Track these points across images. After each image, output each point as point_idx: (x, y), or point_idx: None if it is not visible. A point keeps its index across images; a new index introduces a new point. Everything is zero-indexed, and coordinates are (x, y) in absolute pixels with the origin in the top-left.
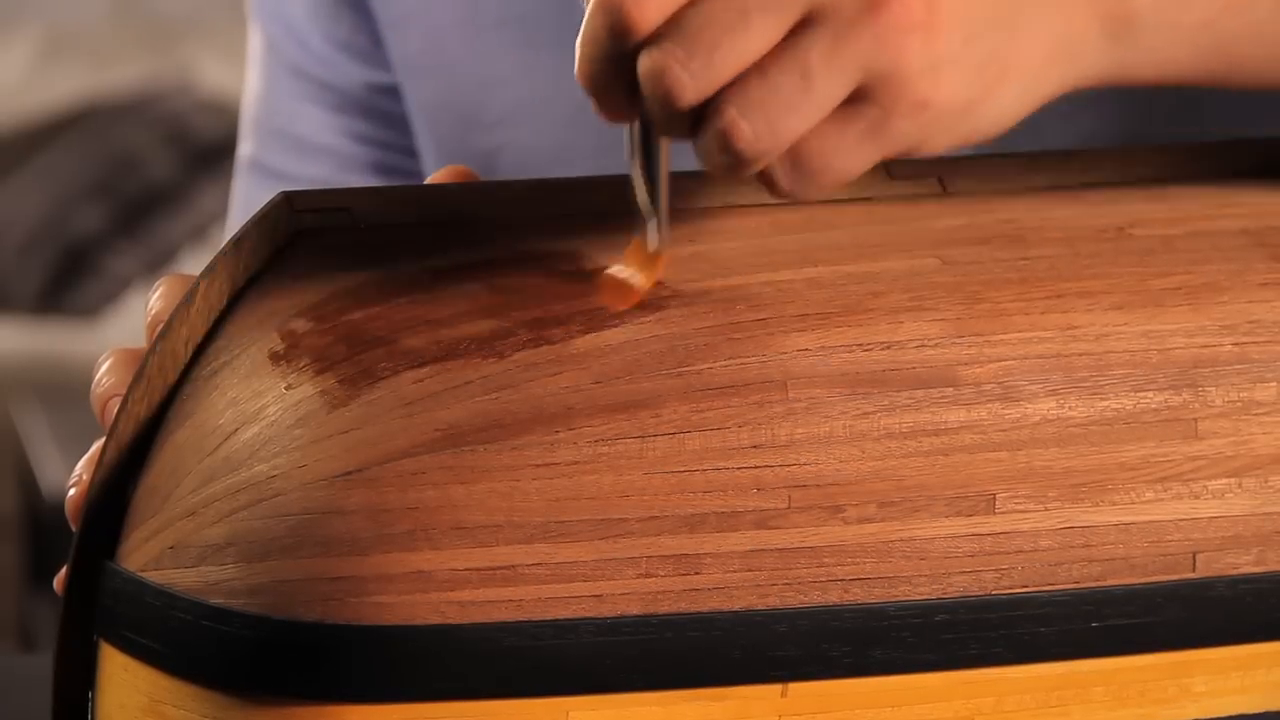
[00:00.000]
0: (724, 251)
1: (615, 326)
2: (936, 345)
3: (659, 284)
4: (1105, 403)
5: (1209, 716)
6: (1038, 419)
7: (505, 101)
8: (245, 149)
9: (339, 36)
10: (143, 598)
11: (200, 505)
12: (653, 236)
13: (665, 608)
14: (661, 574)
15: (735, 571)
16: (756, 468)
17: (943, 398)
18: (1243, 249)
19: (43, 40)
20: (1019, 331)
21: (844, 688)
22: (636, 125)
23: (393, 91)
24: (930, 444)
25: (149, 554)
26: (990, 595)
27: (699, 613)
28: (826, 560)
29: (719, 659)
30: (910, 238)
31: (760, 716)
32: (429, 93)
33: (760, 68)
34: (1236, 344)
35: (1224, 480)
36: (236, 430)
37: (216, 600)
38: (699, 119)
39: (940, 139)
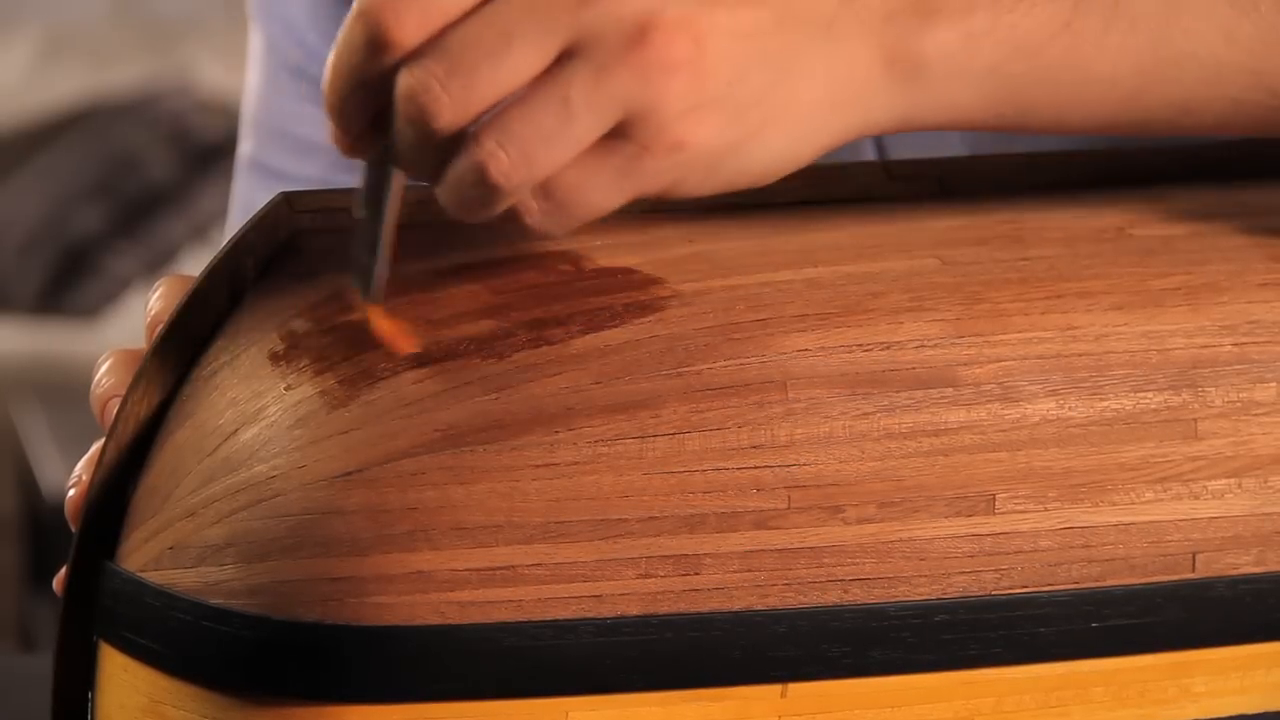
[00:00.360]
0: (724, 251)
1: (615, 327)
2: (936, 345)
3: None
4: (1105, 403)
5: (1209, 717)
6: (1037, 419)
7: None
8: (245, 149)
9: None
10: (142, 598)
11: (200, 506)
12: (364, 287)
13: (665, 608)
14: (661, 574)
15: (735, 572)
16: (756, 468)
17: (942, 398)
18: (1242, 249)
19: (43, 40)
20: (1019, 332)
21: (844, 688)
22: (371, 164)
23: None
24: (930, 444)
25: (149, 554)
26: (990, 595)
27: (699, 613)
28: (826, 560)
29: (719, 659)
30: (910, 238)
31: (760, 717)
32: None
33: (521, 97)
34: (1236, 344)
35: (1224, 480)
36: (236, 430)
37: (216, 600)
38: (445, 152)
39: (700, 180)
